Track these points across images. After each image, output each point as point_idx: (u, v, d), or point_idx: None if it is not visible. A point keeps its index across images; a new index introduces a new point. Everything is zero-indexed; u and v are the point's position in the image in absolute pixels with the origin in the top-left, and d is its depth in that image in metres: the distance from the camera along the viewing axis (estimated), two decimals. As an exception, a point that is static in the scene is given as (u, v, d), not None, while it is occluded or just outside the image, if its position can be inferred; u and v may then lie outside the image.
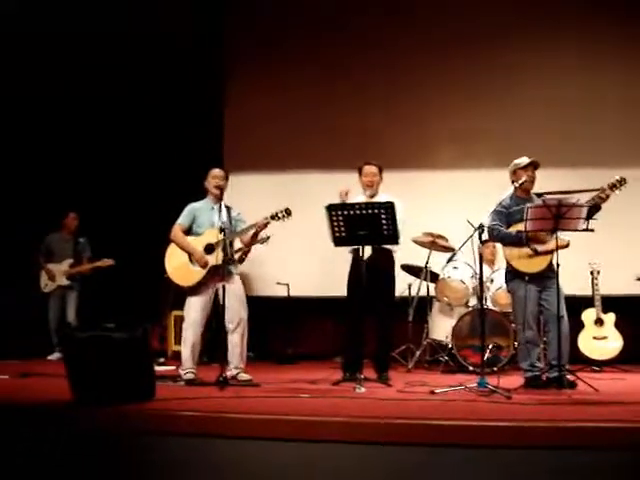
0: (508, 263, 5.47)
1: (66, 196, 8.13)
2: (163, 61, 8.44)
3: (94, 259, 8.06)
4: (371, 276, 5.44)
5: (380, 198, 5.78)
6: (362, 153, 6.39)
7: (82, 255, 8.10)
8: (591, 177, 7.44)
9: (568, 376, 5.20)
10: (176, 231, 5.81)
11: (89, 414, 4.06)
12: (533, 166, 5.46)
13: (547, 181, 5.80)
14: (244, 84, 8.56)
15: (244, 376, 5.63)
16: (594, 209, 5.20)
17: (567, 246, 5.33)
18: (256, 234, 5.74)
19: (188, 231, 5.85)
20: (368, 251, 5.57)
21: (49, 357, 7.64)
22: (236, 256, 6.94)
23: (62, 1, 7.90)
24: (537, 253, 5.28)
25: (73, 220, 8.18)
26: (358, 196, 5.91)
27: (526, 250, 5.31)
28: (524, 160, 5.47)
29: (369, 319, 5.70)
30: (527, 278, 5.33)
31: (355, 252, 5.84)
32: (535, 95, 8.01)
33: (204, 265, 5.65)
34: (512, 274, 5.47)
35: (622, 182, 5.23)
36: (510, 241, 5.40)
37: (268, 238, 6.57)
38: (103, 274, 7.98)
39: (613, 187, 5.21)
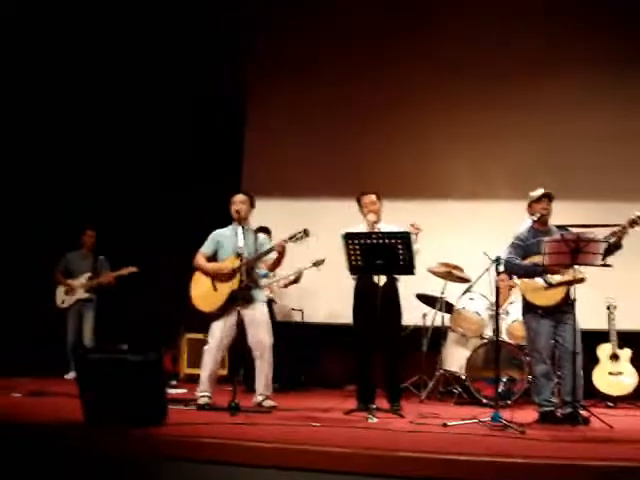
0: (523, 296, 5.45)
1: (85, 216, 8.21)
2: (186, 86, 8.58)
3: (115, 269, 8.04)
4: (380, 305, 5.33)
5: (382, 227, 5.76)
6: (378, 182, 6.39)
7: (100, 272, 8.09)
8: (608, 210, 7.46)
9: (582, 412, 5.13)
10: (198, 257, 5.83)
11: (99, 435, 4.06)
12: (548, 198, 5.44)
13: (565, 213, 5.77)
14: (264, 115, 8.67)
15: (269, 402, 5.61)
16: (614, 247, 5.16)
17: (583, 281, 5.23)
18: (279, 258, 5.73)
19: (214, 259, 5.84)
20: (375, 279, 5.51)
21: (66, 376, 7.59)
22: (281, 283, 7.38)
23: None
24: (551, 286, 5.25)
25: (91, 237, 8.22)
26: (359, 225, 5.85)
27: (541, 283, 5.28)
28: (538, 192, 5.46)
29: (378, 348, 5.65)
30: (540, 312, 5.30)
31: (360, 281, 5.80)
32: (553, 127, 8.02)
33: (231, 273, 5.60)
34: (527, 307, 5.44)
35: None
36: (525, 273, 5.38)
37: (323, 261, 6.89)
38: (121, 294, 8.00)
39: (633, 224, 5.13)
